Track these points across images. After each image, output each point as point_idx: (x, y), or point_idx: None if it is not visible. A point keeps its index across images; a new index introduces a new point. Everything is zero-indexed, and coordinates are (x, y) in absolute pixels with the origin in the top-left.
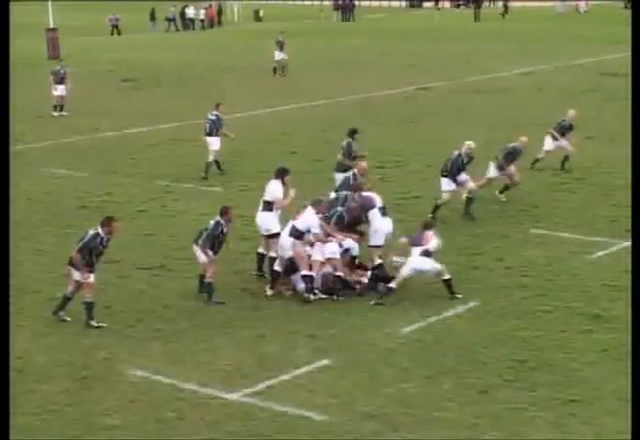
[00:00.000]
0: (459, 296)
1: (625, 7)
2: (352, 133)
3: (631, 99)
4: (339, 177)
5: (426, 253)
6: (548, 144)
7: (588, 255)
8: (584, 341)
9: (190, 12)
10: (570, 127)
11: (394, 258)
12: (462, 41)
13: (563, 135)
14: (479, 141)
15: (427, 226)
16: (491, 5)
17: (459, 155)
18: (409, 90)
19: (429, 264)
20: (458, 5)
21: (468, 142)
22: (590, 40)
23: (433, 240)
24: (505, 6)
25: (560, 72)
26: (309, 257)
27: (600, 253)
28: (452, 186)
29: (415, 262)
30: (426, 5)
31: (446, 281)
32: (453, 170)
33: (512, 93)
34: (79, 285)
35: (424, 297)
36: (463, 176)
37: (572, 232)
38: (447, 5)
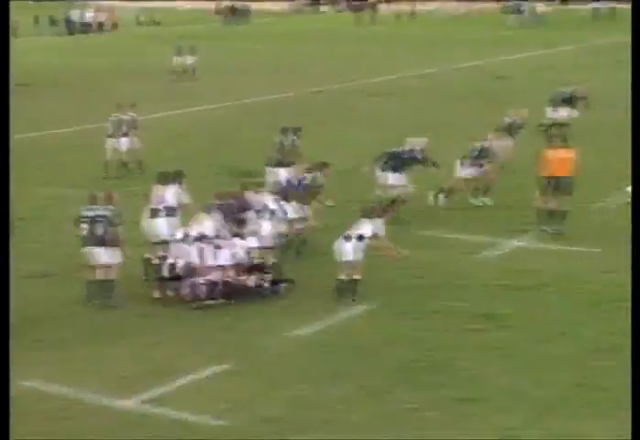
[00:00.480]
0: (354, 300)
1: (505, 13)
2: (296, 130)
3: (631, 103)
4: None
5: (346, 237)
6: (507, 142)
7: (480, 255)
8: (476, 340)
9: (81, 15)
10: (521, 127)
11: None
12: (356, 44)
13: (511, 134)
14: (374, 143)
15: (363, 214)
16: (387, 8)
17: (412, 150)
18: (304, 92)
19: (347, 249)
20: (356, 9)
21: (421, 139)
22: (477, 43)
23: (362, 227)
24: (410, 11)
25: (450, 75)
26: (205, 262)
27: (491, 253)
28: (403, 181)
29: (341, 245)
30: (322, 8)
31: (354, 281)
32: (396, 164)
33: (404, 95)
34: None
35: (322, 299)
36: (397, 176)
37: (465, 233)
38: (342, 7)
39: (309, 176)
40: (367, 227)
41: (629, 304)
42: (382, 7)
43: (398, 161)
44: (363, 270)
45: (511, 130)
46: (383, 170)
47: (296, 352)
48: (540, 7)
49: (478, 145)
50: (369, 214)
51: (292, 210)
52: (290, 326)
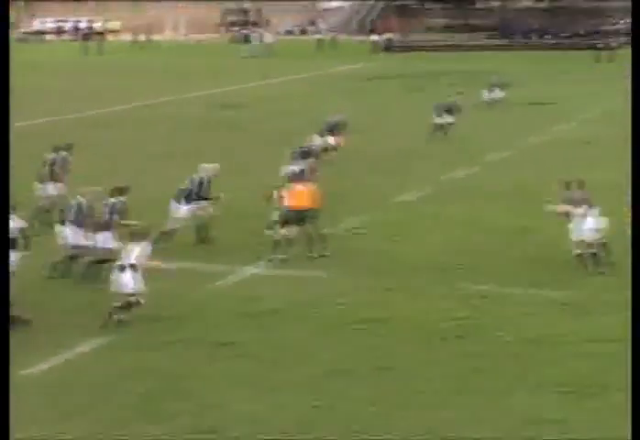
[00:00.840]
0: (115, 323)
1: (235, 42)
2: (68, 147)
3: (631, 108)
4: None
5: (121, 267)
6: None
7: (216, 283)
8: (215, 369)
9: None
10: (310, 152)
11: None
12: (85, 74)
13: (303, 158)
14: (103, 174)
15: (129, 238)
16: (115, 37)
17: (202, 179)
18: (35, 123)
19: (125, 280)
20: (83, 38)
21: (212, 165)
22: (208, 73)
23: (131, 252)
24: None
25: (182, 104)
26: None
27: (227, 281)
28: (183, 213)
29: (119, 277)
30: (48, 37)
31: (132, 305)
32: (191, 196)
33: (137, 125)
34: None
35: (59, 331)
36: (196, 204)
37: (201, 262)
38: (70, 36)
39: (115, 201)
40: (135, 251)
41: (363, 326)
42: (110, 36)
43: (191, 193)
44: (104, 302)
45: (312, 155)
46: (179, 203)
47: (30, 391)
48: (268, 38)
49: (289, 169)
50: (134, 237)
51: (101, 238)
52: (23, 365)
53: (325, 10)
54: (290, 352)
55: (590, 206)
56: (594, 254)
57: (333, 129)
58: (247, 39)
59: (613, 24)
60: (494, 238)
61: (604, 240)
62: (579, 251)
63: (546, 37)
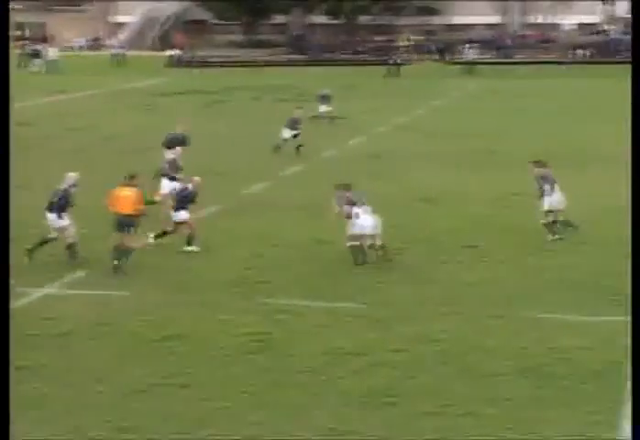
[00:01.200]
0: None
1: (23, 57)
2: None
3: (631, 110)
4: None
5: None
6: (168, 186)
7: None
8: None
9: None
10: (181, 168)
11: None
12: None
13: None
14: None
15: None
16: None
17: (67, 189)
18: None
19: None
20: None
21: (74, 174)
22: None
23: None
24: None
25: None
26: None
27: (19, 302)
28: (61, 223)
29: None
30: None
31: None
32: (62, 205)
33: None
34: None
35: None
36: (58, 216)
37: None
38: None
39: None
40: None
41: (162, 344)
42: None
43: (60, 201)
44: None
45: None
46: (50, 212)
47: None
48: (55, 53)
49: (186, 186)
50: None
51: None
52: None
53: (117, 25)
54: (88, 373)
55: (363, 204)
56: (372, 245)
57: (172, 144)
58: (35, 54)
59: (403, 40)
60: (291, 252)
61: (383, 244)
62: (352, 243)
63: (339, 52)
